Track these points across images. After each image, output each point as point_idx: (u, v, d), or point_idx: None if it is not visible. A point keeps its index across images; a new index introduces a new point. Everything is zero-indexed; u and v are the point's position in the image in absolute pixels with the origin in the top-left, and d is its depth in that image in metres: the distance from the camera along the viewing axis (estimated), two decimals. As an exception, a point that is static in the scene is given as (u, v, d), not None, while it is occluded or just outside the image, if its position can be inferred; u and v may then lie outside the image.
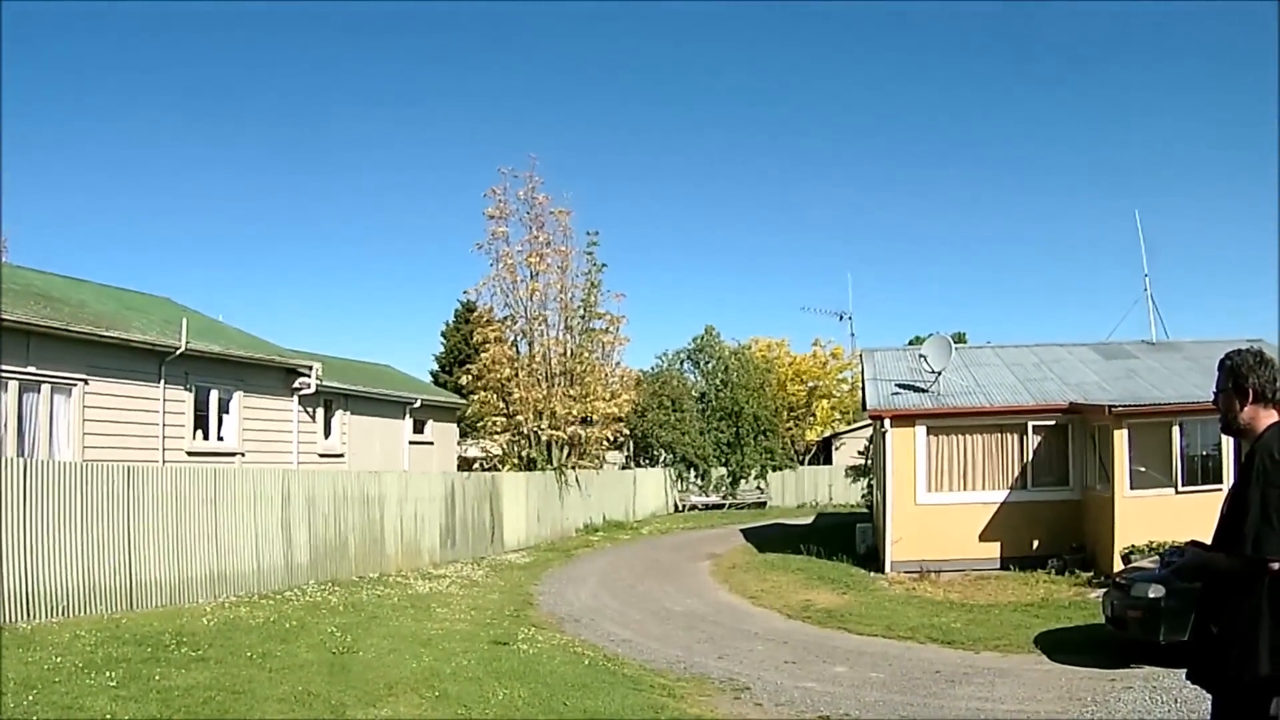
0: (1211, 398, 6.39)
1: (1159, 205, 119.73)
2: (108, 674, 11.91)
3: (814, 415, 75.90)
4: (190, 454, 26.48)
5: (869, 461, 45.57)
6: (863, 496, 51.03)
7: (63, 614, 16.29)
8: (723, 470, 61.37)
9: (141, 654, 13.48)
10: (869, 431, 49.53)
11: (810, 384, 75.29)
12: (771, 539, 36.97)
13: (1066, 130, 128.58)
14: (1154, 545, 21.52)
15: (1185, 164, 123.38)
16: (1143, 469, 23.47)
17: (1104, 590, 20.27)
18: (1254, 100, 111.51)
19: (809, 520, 48.17)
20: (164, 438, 25.73)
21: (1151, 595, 14.35)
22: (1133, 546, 22.01)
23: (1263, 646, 5.60)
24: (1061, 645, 16.30)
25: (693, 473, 60.19)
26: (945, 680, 14.22)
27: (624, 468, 56.71)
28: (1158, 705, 12.21)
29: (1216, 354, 20.30)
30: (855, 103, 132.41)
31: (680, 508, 58.21)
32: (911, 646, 17.09)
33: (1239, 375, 6.06)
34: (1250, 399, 5.99)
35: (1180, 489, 23.33)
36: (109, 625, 15.72)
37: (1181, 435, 23.52)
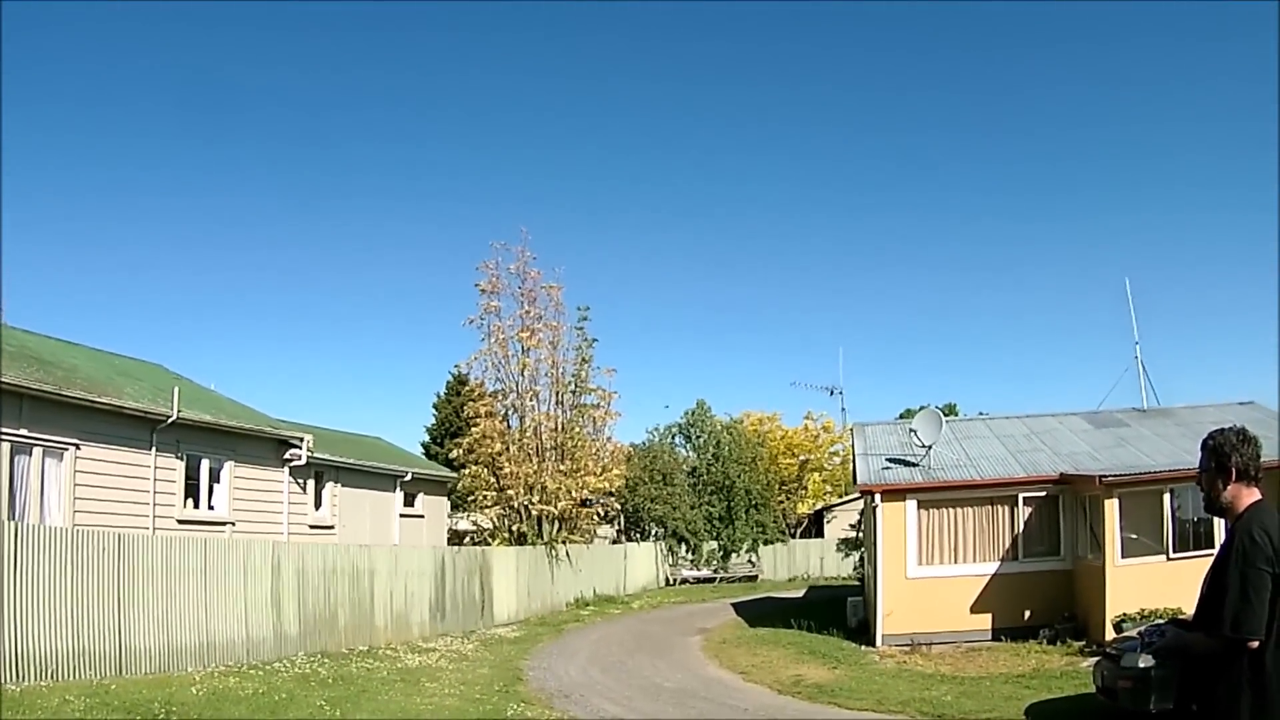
0: (1197, 476, 6.42)
1: (1148, 270, 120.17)
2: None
3: (805, 488, 75.76)
4: (181, 522, 26.56)
5: (860, 535, 45.52)
6: (854, 569, 50.92)
7: (52, 678, 16.27)
8: (714, 544, 61.10)
9: (130, 723, 13.44)
10: (860, 504, 49.51)
11: (802, 457, 75.14)
12: (763, 613, 36.84)
13: (1053, 199, 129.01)
14: (1145, 613, 21.63)
15: (1175, 229, 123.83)
16: (1134, 536, 23.49)
17: (1095, 659, 20.33)
18: (1247, 163, 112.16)
19: (800, 594, 48.03)
20: (155, 505, 25.84)
21: (1141, 665, 14.25)
22: (1124, 615, 22.01)
23: None
24: (1052, 716, 16.27)
25: (684, 547, 59.93)
26: None
27: (615, 542, 56.60)
28: (1148, 775, 12.12)
29: (1208, 419, 20.60)
30: (843, 174, 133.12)
31: (671, 581, 58.02)
32: None
33: (1221, 455, 6.10)
34: (1233, 478, 6.03)
35: (1172, 555, 23.36)
36: (99, 691, 15.69)
37: (1173, 501, 23.53)
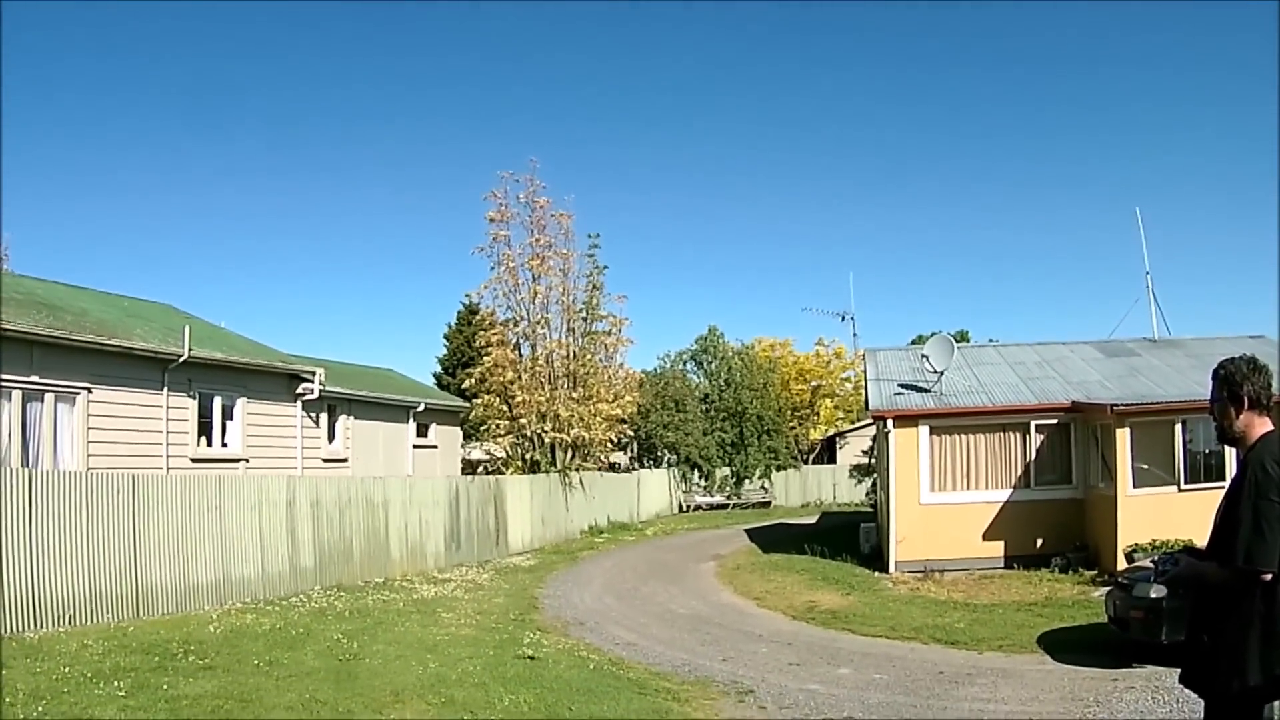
0: (1208, 406, 6.42)
1: (1160, 202, 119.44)
2: (116, 684, 11.98)
3: (818, 414, 75.85)
4: (194, 461, 26.61)
5: (873, 461, 45.52)
6: (867, 496, 50.97)
7: (69, 623, 16.36)
8: (727, 470, 61.34)
9: (149, 663, 13.57)
10: (873, 430, 49.50)
11: (814, 383, 75.16)
12: (776, 539, 36.97)
13: (1067, 127, 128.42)
14: (1157, 544, 21.61)
15: (1186, 160, 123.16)
16: (1145, 467, 23.48)
17: (1107, 589, 20.38)
18: (1254, 96, 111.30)
19: (813, 520, 48.24)
20: (168, 445, 25.81)
21: (1153, 596, 14.29)
22: (1136, 545, 22.01)
23: (1252, 657, 5.65)
24: (1064, 645, 16.26)
25: (697, 473, 60.20)
26: (949, 681, 14.22)
27: (628, 469, 56.63)
28: (1159, 705, 12.19)
29: (1219, 351, 20.34)
30: (856, 102, 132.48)
31: (685, 508, 58.32)
32: (915, 647, 17.06)
33: (1232, 384, 6.09)
34: (1245, 407, 6.02)
35: (1183, 487, 23.33)
36: (116, 634, 15.80)
37: (1184, 433, 23.53)
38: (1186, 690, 10.72)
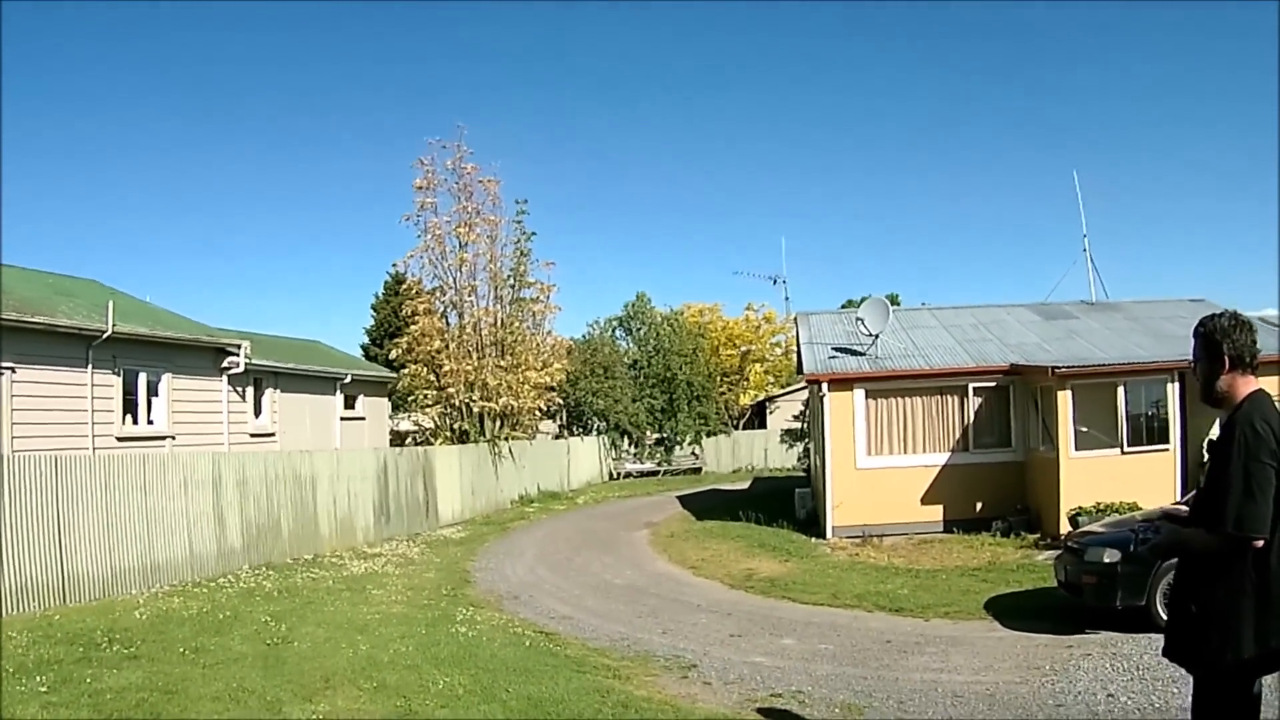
0: (1191, 366, 6.05)
1: (1096, 164, 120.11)
2: (39, 678, 11.45)
3: (747, 380, 75.72)
4: (120, 439, 26.12)
5: (806, 425, 45.37)
6: (799, 460, 50.92)
7: (-8, 613, 15.72)
8: (657, 437, 61.13)
9: (74, 654, 13.03)
10: (804, 395, 49.34)
11: (743, 349, 75.09)
12: (709, 506, 36.66)
13: (1001, 90, 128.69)
14: (1101, 506, 21.69)
15: (1124, 122, 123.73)
16: (1085, 429, 23.42)
17: (1051, 552, 20.41)
18: (1199, 64, 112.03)
19: (746, 485, 48.21)
20: (93, 424, 25.39)
21: (1107, 560, 14.14)
22: (1080, 508, 21.99)
23: (1245, 627, 5.37)
24: (1013, 611, 16.00)
25: (627, 440, 59.91)
26: (897, 650, 13.86)
27: (557, 437, 56.32)
28: (1118, 673, 11.83)
29: (1158, 314, 20.32)
30: (785, 64, 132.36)
31: (615, 476, 58.04)
32: (859, 615, 16.72)
33: (1212, 342, 5.74)
34: (1226, 366, 5.67)
35: (1126, 449, 23.37)
36: (41, 623, 15.20)
37: (1126, 395, 23.46)
38: (1149, 656, 10.35)
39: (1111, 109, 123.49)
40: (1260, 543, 5.23)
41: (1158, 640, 12.93)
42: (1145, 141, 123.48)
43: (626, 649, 14.52)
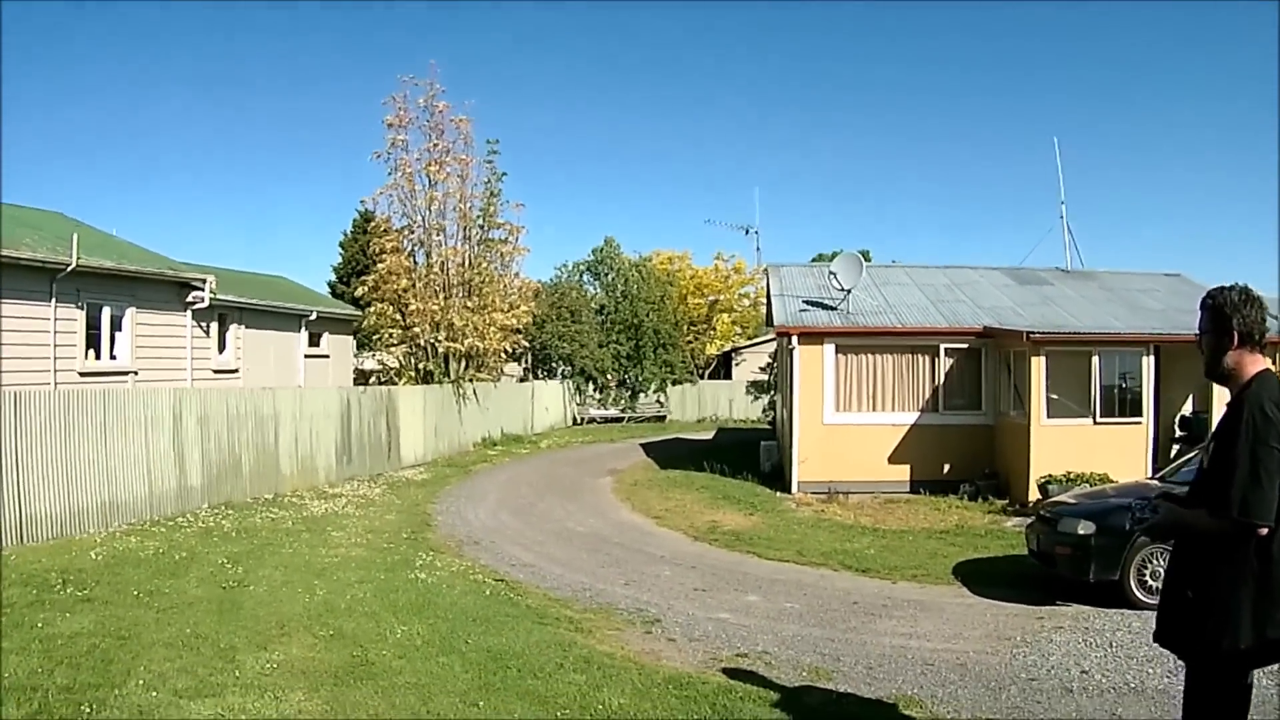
0: (1195, 339, 5.80)
1: (1076, 131, 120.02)
2: (-9, 623, 11.14)
3: (714, 329, 75.58)
4: (82, 374, 25.78)
5: (773, 378, 45.20)
6: (763, 413, 50.84)
7: (-52, 554, 15.35)
8: (622, 383, 60.81)
9: (26, 597, 12.73)
10: (771, 347, 49.20)
11: (711, 298, 74.93)
12: (673, 455, 36.58)
13: (985, 49, 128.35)
14: (1071, 475, 21.67)
15: (1107, 91, 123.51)
16: (1055, 397, 23.37)
17: (1021, 519, 20.49)
18: (1182, 35, 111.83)
19: (710, 436, 48.18)
20: (55, 359, 25.02)
21: (1081, 532, 13.96)
22: (1050, 476, 21.96)
23: (1244, 616, 5.17)
24: (982, 577, 15.83)
25: (591, 386, 59.77)
26: (864, 613, 13.66)
27: (522, 380, 56.14)
28: (1091, 649, 11.63)
29: (1133, 286, 20.18)
30: (764, 13, 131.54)
31: (579, 421, 58.05)
32: (825, 574, 16.52)
33: (1221, 316, 5.49)
34: (1235, 342, 5.42)
35: (1098, 420, 23.34)
36: (-4, 564, 14.84)
37: (1100, 365, 23.41)
38: (1121, 633, 10.14)
39: (1095, 77, 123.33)
40: (1265, 530, 5.02)
41: (1131, 616, 12.95)
42: (1127, 113, 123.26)
43: (589, 600, 14.29)
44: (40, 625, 11.27)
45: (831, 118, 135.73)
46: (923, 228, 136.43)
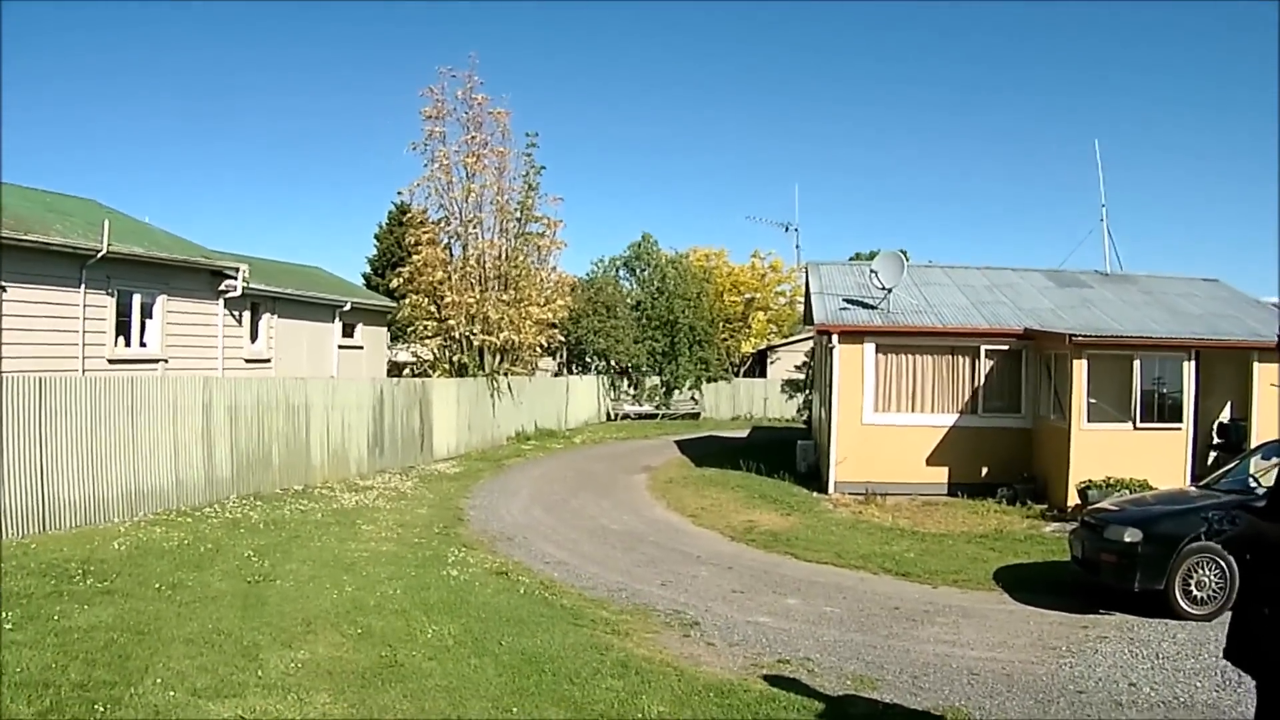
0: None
1: (1116, 134, 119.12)
2: (6, 613, 10.93)
3: (750, 327, 75.19)
4: (112, 362, 25.58)
5: (809, 377, 44.89)
6: (798, 412, 50.57)
7: (-33, 539, 15.15)
8: (656, 380, 60.63)
9: (45, 587, 12.48)
10: (806, 345, 48.91)
11: (747, 296, 74.53)
12: (708, 452, 36.40)
13: (1027, 55, 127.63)
14: (1111, 481, 21.36)
15: (1147, 94, 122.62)
16: (1094, 401, 23.05)
17: (1059, 524, 20.47)
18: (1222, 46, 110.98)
19: (744, 434, 47.82)
20: (84, 345, 24.86)
21: (1127, 540, 13.67)
22: (1090, 481, 21.67)
23: None
24: (1023, 583, 15.62)
25: (626, 381, 59.57)
26: (906, 619, 13.44)
27: (556, 375, 55.91)
28: (1138, 660, 11.39)
29: (1172, 290, 19.97)
30: (807, 10, 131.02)
31: (613, 416, 57.66)
32: (865, 577, 16.34)
33: None
34: None
35: (1139, 425, 22.98)
36: (17, 552, 14.57)
37: (1141, 370, 23.08)
38: (1168, 644, 9.84)
39: (1135, 81, 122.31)
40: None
41: (1175, 627, 12.69)
42: (1168, 116, 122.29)
43: (625, 601, 14.09)
44: (57, 617, 11.05)
45: (866, 115, 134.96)
46: (957, 227, 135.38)
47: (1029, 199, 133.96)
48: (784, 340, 69.23)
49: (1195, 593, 13.17)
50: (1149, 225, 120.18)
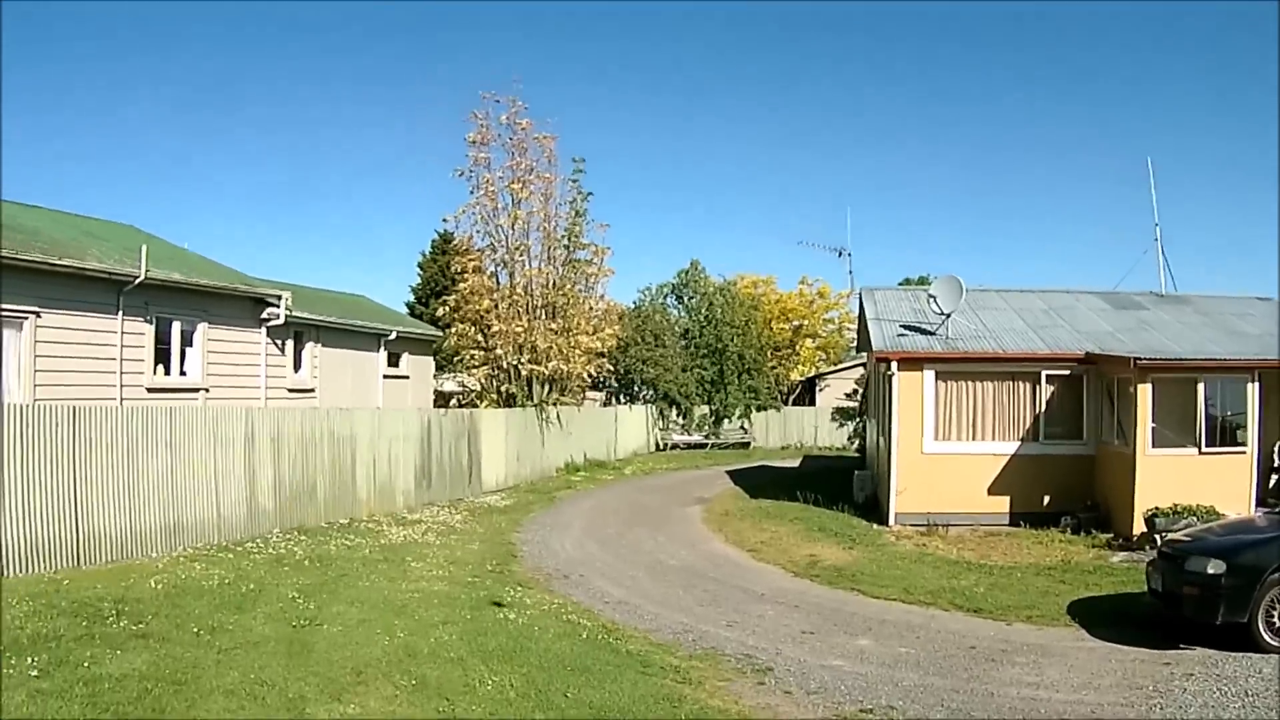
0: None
1: (1168, 152, 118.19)
2: (31, 658, 10.44)
3: (798, 355, 74.88)
4: (150, 390, 25.19)
5: (862, 404, 44.35)
6: (849, 439, 50.08)
7: (1, 573, 14.81)
8: (705, 409, 60.17)
9: (76, 629, 11.97)
10: (856, 372, 48.44)
11: (795, 323, 74.25)
12: (761, 483, 35.95)
13: (1075, 73, 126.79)
14: (1178, 508, 20.80)
15: (1198, 114, 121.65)
16: (1156, 426, 22.41)
17: (1127, 554, 20.23)
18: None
19: (796, 463, 47.49)
20: (122, 373, 24.47)
21: (1211, 571, 13.13)
22: (1157, 509, 21.09)
23: None
24: (1098, 617, 15.15)
25: (675, 410, 59.09)
26: (984, 659, 12.95)
27: (605, 404, 55.58)
28: (1228, 699, 10.97)
29: (1228, 310, 19.35)
30: (855, 32, 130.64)
31: (662, 446, 57.40)
32: (935, 614, 15.87)
33: None
34: None
35: (1204, 450, 22.31)
36: (49, 588, 14.19)
37: (1206, 392, 22.46)
38: (1254, 679, 9.29)
39: (1187, 98, 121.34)
40: None
41: (1259, 661, 12.24)
42: (1221, 131, 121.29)
43: (692, 645, 13.61)
44: (87, 664, 10.54)
45: (912, 136, 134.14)
46: (1009, 250, 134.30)
47: (1078, 218, 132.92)
48: (833, 367, 68.99)
49: (1278, 624, 12.75)
50: (1197, 242, 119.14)
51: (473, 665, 11.49)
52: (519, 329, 40.24)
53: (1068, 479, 24.82)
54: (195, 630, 12.41)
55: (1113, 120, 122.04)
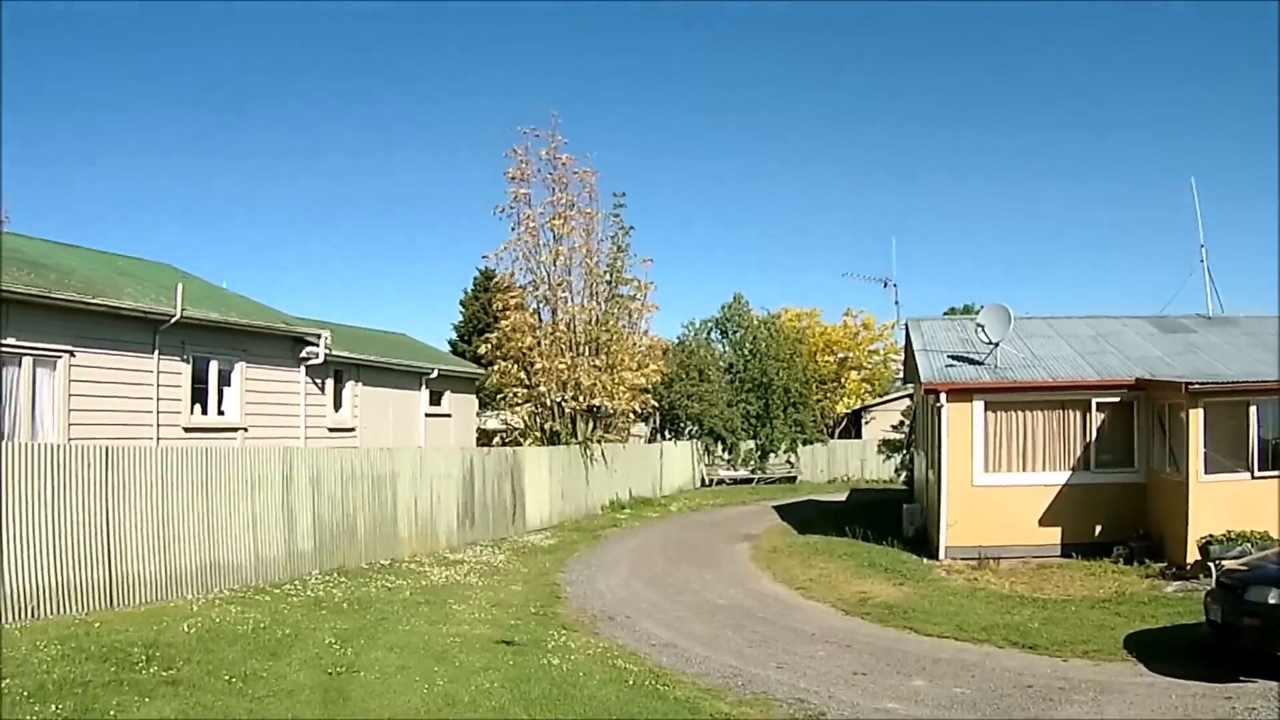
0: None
1: (1209, 171, 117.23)
2: (57, 705, 10.13)
3: (843, 387, 74.51)
4: (188, 430, 25.01)
5: (908, 436, 43.92)
6: (895, 472, 49.63)
7: (31, 615, 14.70)
8: (751, 444, 59.79)
9: (104, 674, 11.62)
10: (901, 404, 48.02)
11: (840, 355, 73.93)
12: (809, 518, 35.52)
13: (1116, 97, 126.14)
14: (1232, 535, 20.34)
15: (1238, 136, 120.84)
16: (1208, 451, 21.91)
17: (1181, 583, 19.79)
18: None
19: (843, 497, 47.14)
20: (158, 413, 24.25)
21: (1272, 601, 12.73)
22: (1211, 537, 20.58)
23: None
24: (1156, 651, 14.75)
25: (720, 446, 58.72)
26: (1042, 698, 12.59)
27: (649, 441, 55.31)
28: (1297, 736, 10.53)
29: (1276, 329, 18.89)
30: (900, 68, 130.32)
31: (707, 482, 57.06)
32: (990, 651, 15.50)
33: None
34: None
35: (1256, 474, 21.81)
36: (79, 631, 13.91)
37: (1259, 415, 21.97)
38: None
39: (1229, 112, 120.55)
40: None
41: None
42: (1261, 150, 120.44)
43: (742, 688, 13.29)
44: (113, 712, 10.23)
45: (953, 164, 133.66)
46: (1051, 276, 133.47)
47: (1120, 243, 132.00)
48: (878, 399, 68.55)
49: (1342, 655, 12.32)
50: (1242, 261, 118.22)
51: (515, 715, 11.15)
52: (562, 366, 40.12)
53: (1119, 508, 24.38)
54: (227, 677, 12.06)
55: (1153, 142, 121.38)
